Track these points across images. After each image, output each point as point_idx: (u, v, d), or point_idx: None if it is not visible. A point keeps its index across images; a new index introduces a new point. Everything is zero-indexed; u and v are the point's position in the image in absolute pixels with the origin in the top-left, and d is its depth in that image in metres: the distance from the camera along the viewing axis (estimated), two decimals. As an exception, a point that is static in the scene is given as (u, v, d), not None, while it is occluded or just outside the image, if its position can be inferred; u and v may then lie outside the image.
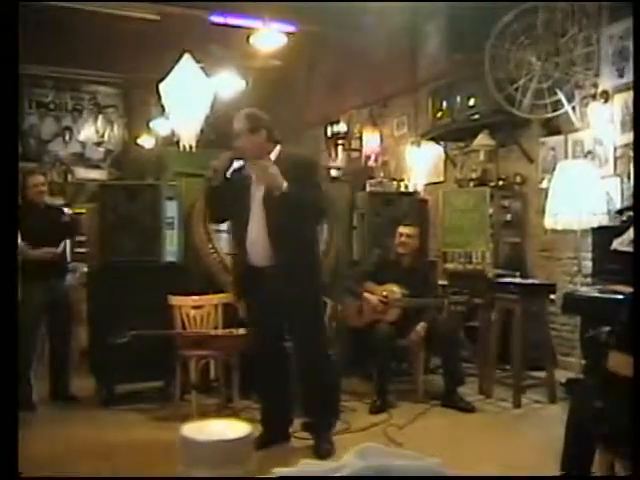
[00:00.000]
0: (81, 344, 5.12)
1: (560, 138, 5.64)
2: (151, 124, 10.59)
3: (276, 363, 3.53)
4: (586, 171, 4.67)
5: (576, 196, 4.51)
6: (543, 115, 5.56)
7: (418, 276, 4.66)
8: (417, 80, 7.69)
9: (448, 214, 5.90)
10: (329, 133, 9.21)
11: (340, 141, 9.09)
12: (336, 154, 9.18)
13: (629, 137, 4.89)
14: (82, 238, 5.30)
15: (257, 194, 3.36)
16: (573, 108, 5.38)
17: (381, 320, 4.46)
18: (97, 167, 11.66)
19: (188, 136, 5.88)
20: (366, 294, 4.55)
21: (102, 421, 4.12)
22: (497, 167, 6.34)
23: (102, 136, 11.85)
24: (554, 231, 5.09)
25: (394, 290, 4.55)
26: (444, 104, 6.68)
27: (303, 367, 3.49)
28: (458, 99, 6.44)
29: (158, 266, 4.63)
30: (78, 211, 5.28)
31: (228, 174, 3.38)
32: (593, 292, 3.85)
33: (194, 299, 4.39)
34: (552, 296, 4.64)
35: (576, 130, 5.44)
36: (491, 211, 5.75)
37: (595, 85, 5.24)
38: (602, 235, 4.46)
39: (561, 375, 4.67)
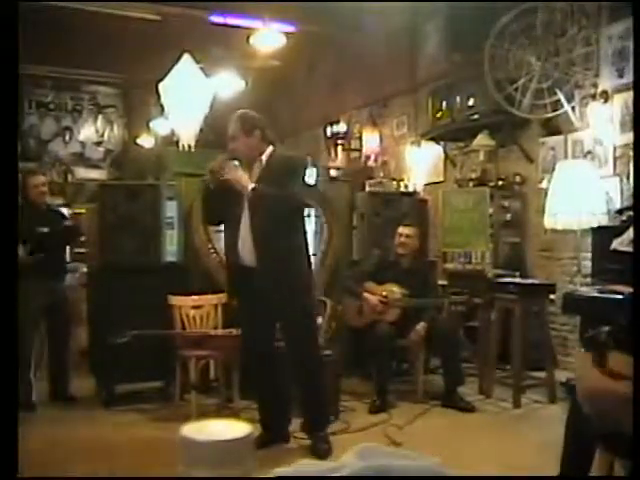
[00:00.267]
0: (81, 344, 5.12)
1: (560, 138, 5.64)
2: (151, 124, 10.59)
3: (269, 363, 3.53)
4: (586, 171, 4.67)
5: (576, 196, 4.51)
6: (543, 115, 5.56)
7: (418, 276, 4.67)
8: (417, 80, 7.69)
9: (448, 214, 5.90)
10: (329, 133, 9.22)
11: (340, 141, 9.09)
12: (336, 154, 9.18)
13: (629, 137, 4.89)
14: (82, 238, 5.30)
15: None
16: (573, 108, 5.38)
17: (381, 320, 4.46)
18: (97, 167, 11.67)
19: (187, 136, 5.88)
20: (366, 294, 4.55)
21: (102, 421, 4.12)
22: (497, 167, 6.34)
23: (102, 136, 11.85)
24: (554, 231, 5.09)
25: (394, 290, 4.56)
26: (444, 104, 6.68)
27: (294, 367, 3.49)
28: (458, 99, 6.44)
29: (158, 266, 4.63)
30: (78, 211, 5.29)
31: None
32: (593, 292, 3.84)
33: (194, 299, 4.39)
34: (552, 296, 4.64)
35: (576, 130, 5.44)
36: (491, 211, 5.75)
37: (595, 85, 5.23)
38: (602, 235, 4.46)
39: (561, 375, 4.67)
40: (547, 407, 4.38)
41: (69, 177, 11.12)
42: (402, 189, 7.34)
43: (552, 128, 5.70)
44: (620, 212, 4.67)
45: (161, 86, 5.85)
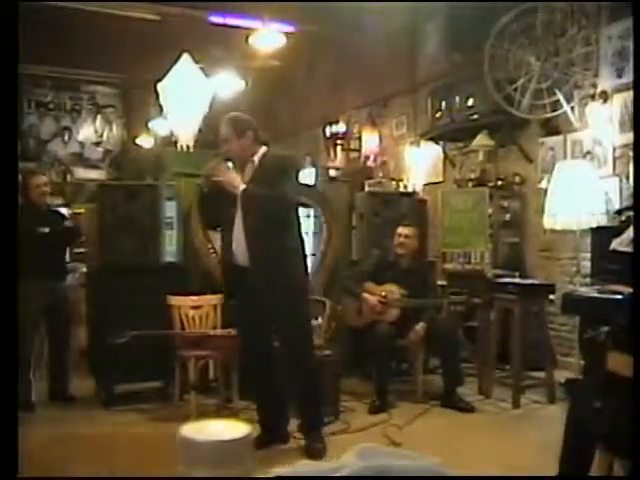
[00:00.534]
0: (80, 344, 5.12)
1: (559, 138, 5.64)
2: (150, 124, 10.59)
3: (267, 363, 3.53)
4: (585, 171, 4.67)
5: (575, 196, 4.51)
6: (542, 115, 5.56)
7: (417, 276, 4.66)
8: (416, 80, 7.70)
9: (447, 214, 5.90)
10: (328, 133, 9.22)
11: (339, 141, 9.10)
12: (335, 154, 9.18)
13: (628, 137, 4.89)
14: (82, 239, 5.30)
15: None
16: (572, 108, 5.38)
17: (380, 320, 4.46)
18: (96, 167, 11.68)
19: (186, 136, 5.89)
20: (365, 294, 4.55)
21: (101, 421, 4.11)
22: (496, 167, 6.34)
23: (101, 136, 11.86)
24: (553, 231, 5.09)
25: (393, 290, 4.56)
26: (443, 104, 6.68)
27: (289, 368, 3.49)
28: (457, 99, 6.44)
29: (157, 266, 4.63)
30: (77, 211, 5.28)
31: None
32: (592, 292, 3.84)
33: (193, 299, 4.39)
34: (551, 296, 4.64)
35: (575, 130, 5.44)
36: (490, 211, 5.76)
37: (594, 85, 5.24)
38: (601, 235, 4.47)
39: (560, 375, 4.67)
40: (546, 407, 4.38)
41: (68, 177, 11.12)
42: (401, 189, 7.35)
43: (551, 128, 5.71)
44: (619, 212, 4.67)
45: (160, 86, 5.85)
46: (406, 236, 4.67)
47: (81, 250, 5.61)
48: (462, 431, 3.92)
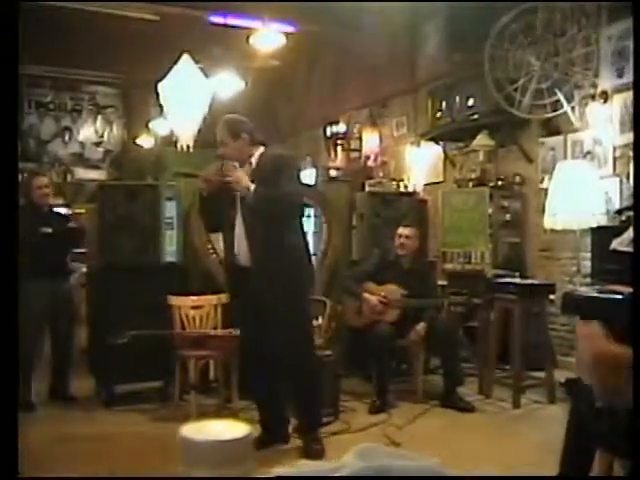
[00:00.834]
0: (80, 344, 5.12)
1: (559, 138, 5.64)
2: (150, 124, 10.58)
3: (265, 363, 3.53)
4: (585, 171, 4.67)
5: (575, 196, 4.51)
6: (542, 115, 5.57)
7: (417, 276, 4.66)
8: (416, 80, 7.70)
9: (447, 214, 5.91)
10: (328, 133, 9.22)
11: (339, 141, 9.10)
12: (335, 154, 9.18)
13: (628, 137, 4.90)
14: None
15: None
16: (572, 108, 5.38)
17: (380, 320, 4.46)
18: (96, 167, 11.68)
19: (186, 136, 5.88)
20: (365, 294, 4.55)
21: (102, 421, 4.12)
22: (496, 167, 6.35)
23: (101, 136, 11.86)
24: (553, 231, 5.09)
25: (393, 290, 4.56)
26: (443, 104, 6.69)
27: (289, 367, 3.49)
28: (457, 99, 6.45)
29: (157, 266, 4.63)
30: (78, 211, 5.29)
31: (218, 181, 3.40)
32: (592, 292, 3.84)
33: (193, 299, 4.39)
34: (551, 296, 4.64)
35: (575, 130, 5.45)
36: (490, 211, 5.76)
37: (594, 85, 5.24)
38: (601, 235, 4.47)
39: (561, 375, 4.67)
40: (546, 407, 4.39)
41: (68, 177, 11.13)
42: (402, 189, 7.35)
43: (552, 128, 5.71)
44: (619, 212, 4.68)
45: (160, 86, 5.84)
46: (407, 237, 4.67)
47: (81, 250, 5.61)
48: (462, 431, 3.92)
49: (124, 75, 10.52)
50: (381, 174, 8.12)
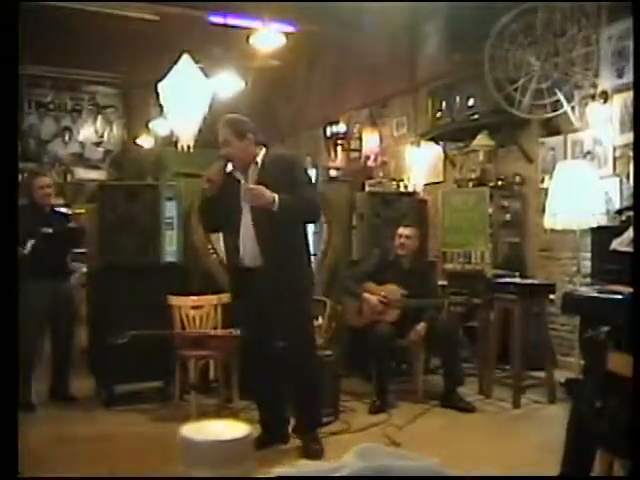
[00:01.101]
0: (80, 344, 5.12)
1: (559, 138, 5.64)
2: (150, 124, 10.59)
3: (267, 363, 3.53)
4: (585, 171, 4.67)
5: (575, 196, 4.51)
6: (542, 115, 5.56)
7: (417, 276, 4.66)
8: (416, 80, 7.69)
9: (447, 214, 5.91)
10: (328, 133, 9.21)
11: (339, 141, 9.09)
12: (335, 154, 9.18)
13: (628, 137, 4.89)
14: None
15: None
16: (572, 108, 5.38)
17: (381, 320, 4.46)
18: (96, 167, 11.67)
19: (186, 136, 5.88)
20: (366, 294, 4.55)
21: (102, 421, 4.12)
22: (496, 167, 6.35)
23: (101, 136, 11.85)
24: (553, 231, 5.09)
25: (393, 290, 4.56)
26: (443, 104, 6.68)
27: (290, 367, 3.49)
28: (457, 99, 6.45)
29: (158, 266, 4.63)
30: (78, 211, 5.29)
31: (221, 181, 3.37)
32: (592, 292, 3.84)
33: (193, 299, 4.39)
34: (551, 296, 4.64)
35: (575, 130, 5.45)
36: (490, 211, 5.76)
37: (594, 85, 5.24)
38: (601, 235, 4.47)
39: (560, 375, 4.67)
40: (547, 407, 4.38)
41: (68, 177, 11.12)
42: (402, 189, 7.34)
43: (552, 128, 5.71)
44: (619, 212, 4.67)
45: (160, 86, 5.85)
46: (407, 237, 4.67)
47: (81, 250, 5.61)
48: (462, 431, 3.92)
49: (124, 75, 10.52)
50: (381, 174, 8.12)
